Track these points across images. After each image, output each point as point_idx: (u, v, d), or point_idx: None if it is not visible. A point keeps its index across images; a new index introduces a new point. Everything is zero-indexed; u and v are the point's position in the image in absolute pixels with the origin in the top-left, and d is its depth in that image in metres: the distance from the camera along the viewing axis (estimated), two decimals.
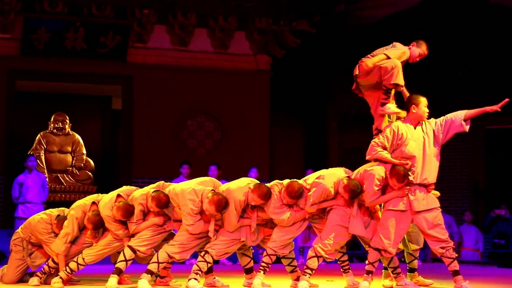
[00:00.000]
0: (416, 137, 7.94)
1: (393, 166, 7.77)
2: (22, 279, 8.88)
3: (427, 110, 8.08)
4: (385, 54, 8.13)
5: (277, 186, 8.06)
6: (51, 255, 8.66)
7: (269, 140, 16.18)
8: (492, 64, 17.06)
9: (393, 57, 8.10)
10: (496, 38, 16.93)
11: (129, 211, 8.19)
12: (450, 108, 16.28)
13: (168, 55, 15.64)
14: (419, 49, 8.32)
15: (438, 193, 7.98)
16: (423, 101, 8.06)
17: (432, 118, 8.13)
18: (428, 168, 7.89)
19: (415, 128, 7.98)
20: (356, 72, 8.29)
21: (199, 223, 7.99)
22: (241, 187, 8.05)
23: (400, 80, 8.05)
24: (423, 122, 8.05)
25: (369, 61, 8.10)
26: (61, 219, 8.65)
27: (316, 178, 7.96)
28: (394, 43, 8.32)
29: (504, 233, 14.29)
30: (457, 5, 16.61)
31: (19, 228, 9.07)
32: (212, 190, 8.07)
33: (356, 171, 8.05)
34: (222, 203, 7.88)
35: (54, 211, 8.89)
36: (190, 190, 8.05)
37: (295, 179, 8.10)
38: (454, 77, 17.26)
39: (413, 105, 8.03)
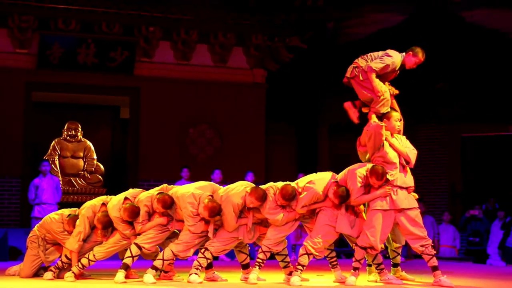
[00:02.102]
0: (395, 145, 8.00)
1: (372, 166, 7.81)
2: (37, 274, 8.89)
3: (398, 124, 8.09)
4: (370, 66, 8.12)
5: (272, 188, 8.09)
6: (65, 252, 8.67)
7: (265, 147, 16.18)
8: (469, 78, 17.13)
9: (376, 68, 8.10)
10: (472, 53, 17.00)
11: (135, 213, 8.22)
12: (429, 119, 16.42)
13: (172, 68, 15.64)
14: (415, 58, 8.22)
15: (416, 195, 8.02)
16: (394, 115, 8.08)
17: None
18: (404, 173, 7.93)
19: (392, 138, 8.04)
20: (348, 74, 8.29)
21: (199, 223, 8.02)
22: (238, 192, 8.08)
23: (387, 109, 8.09)
24: (397, 136, 8.08)
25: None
26: (71, 218, 8.66)
27: (307, 183, 7.98)
28: (388, 50, 8.28)
29: (478, 231, 14.30)
30: (437, 23, 16.68)
31: (35, 226, 9.08)
32: (210, 195, 8.10)
33: (342, 172, 8.10)
34: (215, 210, 7.91)
35: (65, 211, 8.91)
36: (189, 194, 8.09)
37: (288, 182, 8.12)
38: (434, 90, 17.31)
39: (384, 119, 8.06)
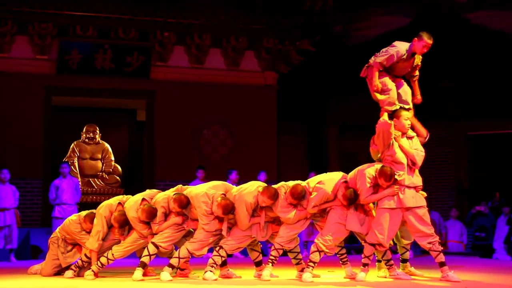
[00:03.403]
0: (403, 146, 7.95)
1: (381, 167, 7.77)
2: (59, 272, 8.90)
3: (408, 123, 8.02)
4: (375, 62, 8.07)
5: (283, 187, 8.06)
6: (84, 251, 8.69)
7: (276, 147, 16.17)
8: (474, 77, 17.08)
9: (380, 62, 8.03)
10: (477, 53, 16.95)
11: (152, 214, 8.23)
12: (435, 117, 16.34)
13: (186, 72, 15.65)
14: (421, 42, 8.05)
15: (425, 194, 7.97)
16: (404, 114, 8.01)
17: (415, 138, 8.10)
18: (412, 173, 7.89)
19: (402, 138, 7.98)
20: (361, 74, 8.27)
21: (213, 222, 8.02)
22: (251, 191, 8.06)
23: (395, 107, 8.05)
24: (409, 135, 8.03)
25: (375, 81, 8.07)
26: (88, 215, 8.69)
27: (317, 183, 7.95)
28: (395, 42, 8.20)
29: (484, 226, 14.24)
30: (443, 24, 16.63)
31: (57, 228, 9.12)
32: (222, 194, 8.09)
33: (351, 172, 8.06)
34: (228, 208, 7.91)
35: (82, 213, 8.93)
36: (203, 193, 8.08)
37: (299, 182, 8.09)
38: (440, 89, 17.27)
39: (395, 118, 8.01)
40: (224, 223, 8.03)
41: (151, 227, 8.28)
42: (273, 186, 8.16)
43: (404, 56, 8.09)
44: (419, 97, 8.32)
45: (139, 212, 8.25)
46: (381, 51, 8.20)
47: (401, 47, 8.10)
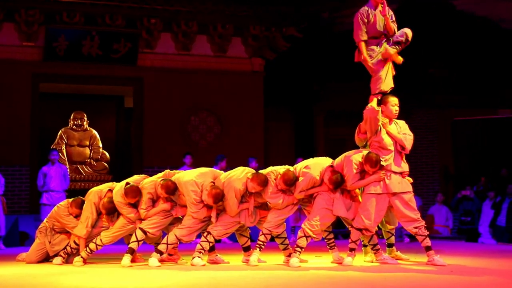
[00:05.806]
0: (391, 132, 7.95)
1: (367, 153, 7.78)
2: (47, 259, 8.88)
3: (396, 109, 8.00)
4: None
5: (272, 173, 8.05)
6: (73, 238, 8.66)
7: (264, 133, 16.17)
8: (460, 63, 17.11)
9: (356, 35, 8.22)
10: (463, 40, 16.97)
11: (137, 192, 8.20)
12: (421, 104, 16.31)
13: (173, 59, 15.61)
14: None
15: (411, 179, 7.99)
16: (391, 100, 8.01)
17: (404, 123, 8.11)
18: (399, 159, 7.90)
19: (390, 124, 7.98)
20: (355, 59, 8.33)
21: (202, 209, 8.00)
22: (240, 177, 8.04)
23: (385, 86, 8.06)
24: (396, 121, 8.03)
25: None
26: (74, 200, 8.67)
27: (304, 168, 7.95)
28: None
29: (469, 211, 14.30)
30: (429, 11, 16.62)
31: (45, 218, 9.08)
32: (212, 182, 8.06)
33: (338, 158, 8.06)
34: (219, 196, 7.89)
35: (70, 200, 8.91)
36: (192, 182, 8.05)
37: (288, 167, 8.08)
38: (426, 75, 17.29)
39: (382, 104, 8.01)
40: (213, 210, 8.02)
41: (138, 210, 8.26)
42: (261, 171, 8.15)
43: (369, 11, 8.24)
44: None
45: (123, 196, 8.22)
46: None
47: (360, 10, 8.30)
